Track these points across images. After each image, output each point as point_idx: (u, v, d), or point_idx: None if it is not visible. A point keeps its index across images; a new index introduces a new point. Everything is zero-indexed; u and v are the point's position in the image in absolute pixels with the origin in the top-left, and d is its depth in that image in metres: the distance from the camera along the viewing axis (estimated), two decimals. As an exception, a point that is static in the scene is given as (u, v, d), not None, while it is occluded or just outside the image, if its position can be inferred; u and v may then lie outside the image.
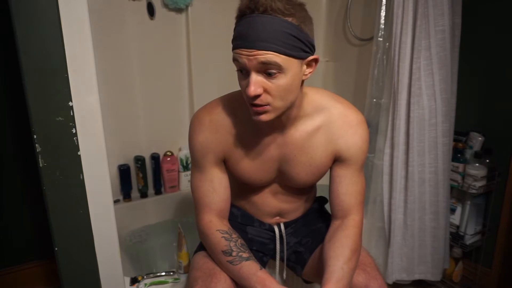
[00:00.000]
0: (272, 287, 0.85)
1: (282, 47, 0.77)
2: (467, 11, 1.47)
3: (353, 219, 0.98)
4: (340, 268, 0.87)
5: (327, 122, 0.95)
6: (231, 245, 0.94)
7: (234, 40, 0.81)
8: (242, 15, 0.79)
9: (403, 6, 1.39)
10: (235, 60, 0.81)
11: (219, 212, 1.00)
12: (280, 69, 0.78)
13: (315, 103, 0.95)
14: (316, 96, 0.97)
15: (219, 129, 0.96)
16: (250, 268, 0.90)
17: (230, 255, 0.92)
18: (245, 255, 0.92)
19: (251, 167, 0.99)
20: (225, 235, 0.95)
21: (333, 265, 0.88)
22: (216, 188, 0.99)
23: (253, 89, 0.78)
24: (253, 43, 0.76)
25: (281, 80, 0.80)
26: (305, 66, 0.84)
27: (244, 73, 0.81)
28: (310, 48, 0.82)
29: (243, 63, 0.79)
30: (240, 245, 0.94)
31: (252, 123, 0.95)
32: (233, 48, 0.81)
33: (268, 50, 0.76)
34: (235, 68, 0.83)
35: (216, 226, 0.97)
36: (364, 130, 0.97)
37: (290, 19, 0.77)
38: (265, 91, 0.80)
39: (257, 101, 0.81)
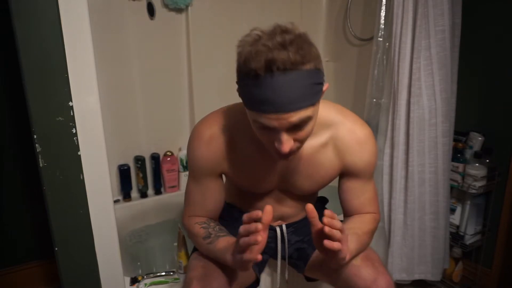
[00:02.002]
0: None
1: (311, 100, 0.75)
2: (467, 11, 1.47)
3: (368, 214, 1.01)
4: (353, 235, 0.89)
5: (334, 138, 0.94)
6: (210, 230, 0.96)
7: (253, 103, 0.74)
8: (255, 76, 0.71)
9: (403, 6, 1.39)
10: (257, 122, 0.76)
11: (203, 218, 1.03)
12: (310, 120, 0.77)
13: (321, 120, 0.91)
14: (322, 112, 0.91)
15: (219, 145, 0.95)
16: (225, 240, 0.91)
17: (209, 237, 0.94)
18: (222, 234, 0.94)
19: (253, 179, 1.00)
20: (204, 225, 0.98)
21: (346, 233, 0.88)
22: (206, 201, 1.01)
23: (287, 147, 0.77)
24: (284, 107, 0.72)
25: (310, 126, 0.79)
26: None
27: (268, 129, 0.78)
28: (324, 81, 0.79)
29: (272, 126, 0.75)
30: (218, 229, 0.96)
31: (256, 138, 0.92)
32: (255, 111, 0.75)
33: (300, 110, 0.73)
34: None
35: (195, 220, 1.00)
36: (372, 145, 0.96)
37: (309, 67, 0.72)
38: (295, 140, 0.79)
39: (290, 152, 0.80)
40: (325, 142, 0.95)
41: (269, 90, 0.71)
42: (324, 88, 0.80)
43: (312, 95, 0.75)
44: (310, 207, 0.75)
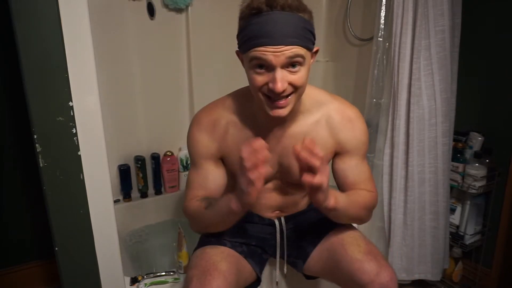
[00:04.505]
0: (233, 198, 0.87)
1: (304, 42, 0.82)
2: (467, 11, 1.47)
3: (366, 189, 1.02)
4: (348, 196, 0.95)
5: (326, 117, 0.99)
6: (210, 200, 0.97)
7: (253, 39, 0.81)
8: (257, 13, 0.80)
9: (403, 6, 1.39)
10: (255, 58, 0.82)
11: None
12: (302, 62, 0.82)
13: (313, 98, 0.99)
14: (314, 92, 1.01)
15: (217, 130, 0.99)
16: (224, 197, 0.92)
17: (210, 204, 0.95)
18: (219, 198, 0.95)
19: None
20: (200, 199, 0.99)
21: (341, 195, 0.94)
22: (207, 182, 1.02)
23: (280, 85, 0.81)
24: (280, 39, 0.79)
25: (302, 72, 0.84)
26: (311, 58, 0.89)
27: (264, 69, 0.83)
28: (315, 39, 0.87)
29: (268, 60, 0.80)
30: (214, 199, 0.97)
31: (253, 118, 0.98)
32: (254, 46, 0.81)
33: (295, 45, 0.80)
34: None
35: (193, 201, 1.01)
36: (362, 123, 1.02)
37: (302, 15, 0.81)
38: (288, 83, 0.83)
39: (283, 94, 0.84)
40: (318, 120, 0.99)
41: (268, 23, 0.79)
42: (315, 49, 0.89)
43: (305, 38, 0.82)
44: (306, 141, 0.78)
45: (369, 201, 1.02)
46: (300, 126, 0.99)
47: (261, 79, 0.84)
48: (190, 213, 1.02)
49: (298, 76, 0.83)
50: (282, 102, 0.85)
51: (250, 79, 0.87)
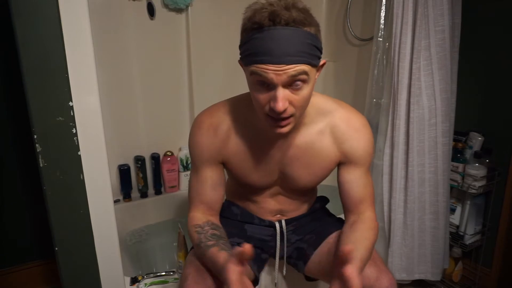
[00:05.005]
0: (221, 260, 0.83)
1: (309, 58, 0.77)
2: (466, 11, 1.47)
3: (369, 217, 0.98)
4: (363, 248, 0.87)
5: (331, 126, 0.96)
6: (201, 237, 0.94)
7: (254, 55, 0.77)
8: (258, 28, 0.76)
9: (403, 6, 1.39)
10: (255, 73, 0.78)
11: (206, 210, 1.01)
12: (306, 79, 0.79)
13: (318, 107, 0.96)
14: (319, 100, 0.97)
15: (218, 133, 0.97)
16: (213, 256, 0.88)
17: (200, 246, 0.93)
18: (210, 243, 0.91)
19: (252, 169, 1.00)
20: (198, 229, 0.96)
21: (357, 247, 0.86)
22: (207, 189, 1.00)
23: (282, 105, 0.78)
24: (283, 58, 0.75)
25: (305, 91, 0.80)
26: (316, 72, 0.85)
27: (265, 87, 0.80)
28: (321, 54, 0.83)
29: (269, 78, 0.76)
30: (210, 235, 0.94)
31: (255, 127, 0.96)
32: (255, 63, 0.77)
33: (298, 64, 0.76)
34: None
35: (194, 221, 0.98)
36: (369, 132, 0.98)
37: (308, 29, 0.77)
38: (290, 103, 0.80)
39: (284, 115, 0.81)
40: (322, 129, 0.96)
41: (270, 40, 0.75)
42: (321, 62, 0.84)
43: (310, 55, 0.77)
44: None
45: (376, 235, 0.95)
46: (303, 136, 0.96)
47: (263, 97, 0.81)
48: (189, 234, 1.00)
49: (300, 96, 0.80)
50: (284, 121, 0.82)
51: (252, 96, 0.85)
